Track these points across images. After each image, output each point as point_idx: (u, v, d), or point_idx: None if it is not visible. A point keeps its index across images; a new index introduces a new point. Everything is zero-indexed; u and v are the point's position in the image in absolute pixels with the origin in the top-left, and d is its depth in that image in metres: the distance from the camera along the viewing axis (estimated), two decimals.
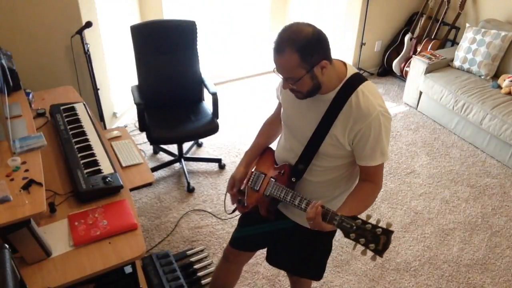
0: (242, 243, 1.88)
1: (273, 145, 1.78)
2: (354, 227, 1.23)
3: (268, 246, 1.88)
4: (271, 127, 1.77)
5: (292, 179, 1.53)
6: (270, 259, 1.89)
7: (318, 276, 1.83)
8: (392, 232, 1.20)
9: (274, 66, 1.33)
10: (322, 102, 1.40)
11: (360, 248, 1.24)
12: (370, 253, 1.22)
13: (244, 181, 1.70)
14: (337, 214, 1.28)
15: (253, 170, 1.71)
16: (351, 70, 1.41)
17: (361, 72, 4.62)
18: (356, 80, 1.38)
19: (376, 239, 1.20)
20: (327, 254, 1.80)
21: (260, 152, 1.74)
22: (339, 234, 2.79)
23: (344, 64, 1.42)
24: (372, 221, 1.23)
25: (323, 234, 1.57)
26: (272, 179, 1.58)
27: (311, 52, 1.26)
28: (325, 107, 1.39)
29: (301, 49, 1.25)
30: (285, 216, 1.69)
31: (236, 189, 1.68)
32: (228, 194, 1.73)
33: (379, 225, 1.21)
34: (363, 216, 1.28)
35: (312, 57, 1.27)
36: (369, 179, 1.46)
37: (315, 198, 1.40)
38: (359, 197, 1.42)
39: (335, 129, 1.38)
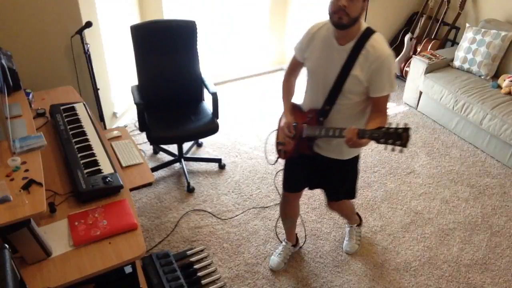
0: (291, 187, 2.33)
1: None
2: (381, 134, 1.62)
3: (311, 185, 2.30)
4: (290, 83, 2.14)
5: (320, 119, 1.95)
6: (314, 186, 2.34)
7: (353, 195, 2.31)
8: (409, 128, 1.59)
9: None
10: (343, 51, 1.79)
11: (389, 147, 1.63)
12: (397, 148, 1.61)
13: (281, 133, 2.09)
14: (367, 130, 1.67)
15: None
16: (364, 25, 1.80)
17: None
18: (369, 32, 1.78)
19: (400, 137, 1.59)
20: (357, 176, 2.26)
21: (291, 104, 2.11)
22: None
23: None
24: (392, 125, 1.61)
25: (351, 162, 2.10)
26: (304, 124, 1.99)
27: None
28: (346, 55, 1.78)
29: None
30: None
31: (292, 134, 2.01)
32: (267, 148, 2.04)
33: (398, 127, 1.60)
34: None
35: None
36: (379, 109, 1.86)
37: None
38: (375, 122, 1.78)
39: (355, 70, 1.78)
